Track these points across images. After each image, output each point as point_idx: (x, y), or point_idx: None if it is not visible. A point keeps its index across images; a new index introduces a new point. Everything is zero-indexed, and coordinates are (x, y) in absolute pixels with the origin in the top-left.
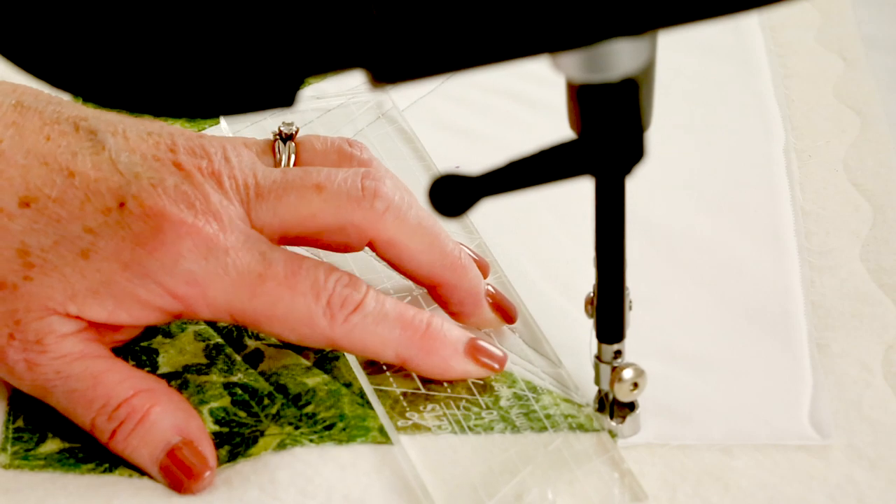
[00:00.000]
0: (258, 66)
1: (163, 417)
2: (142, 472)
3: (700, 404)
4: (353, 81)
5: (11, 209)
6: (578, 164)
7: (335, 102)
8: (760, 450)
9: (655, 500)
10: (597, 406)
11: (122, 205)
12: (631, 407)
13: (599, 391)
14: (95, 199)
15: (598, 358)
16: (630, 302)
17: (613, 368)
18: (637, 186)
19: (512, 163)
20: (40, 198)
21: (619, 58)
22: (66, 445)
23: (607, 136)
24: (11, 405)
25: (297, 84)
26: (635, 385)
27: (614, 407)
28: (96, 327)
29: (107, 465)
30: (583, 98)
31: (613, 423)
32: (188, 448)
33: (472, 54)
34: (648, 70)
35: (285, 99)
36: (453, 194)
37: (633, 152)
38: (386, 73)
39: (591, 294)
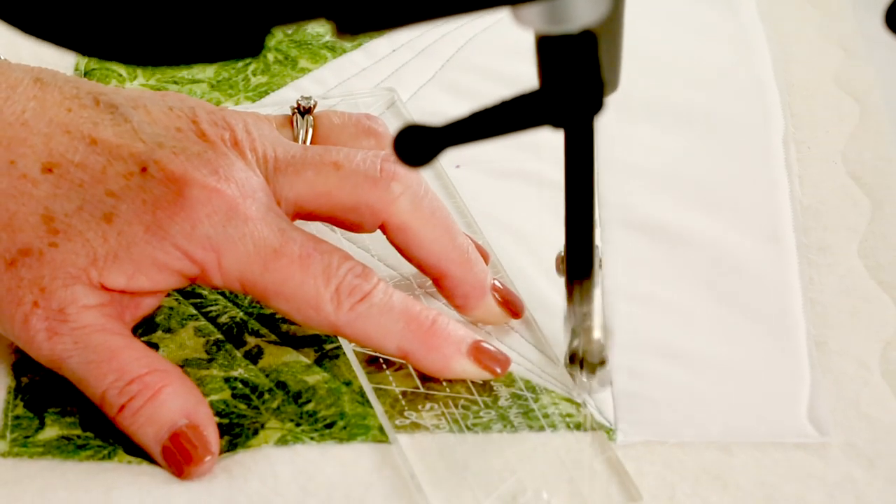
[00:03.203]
0: (225, 13)
1: (173, 398)
2: (141, 459)
3: (698, 402)
4: (360, 81)
5: (35, 175)
6: (538, 114)
7: (338, 97)
8: (759, 448)
9: (654, 498)
10: (567, 361)
11: (144, 169)
12: (602, 363)
13: (570, 347)
14: (117, 163)
15: (571, 314)
16: (600, 260)
17: (583, 327)
18: (636, 181)
19: (475, 113)
20: (63, 163)
21: (577, 10)
22: (65, 432)
23: (566, 86)
24: (11, 393)
25: (264, 33)
26: (603, 344)
27: (584, 363)
28: (118, 303)
29: (105, 452)
30: (543, 49)
31: (584, 378)
32: (192, 432)
33: (434, 4)
34: (610, 24)
35: (252, 48)
36: (418, 144)
37: (591, 104)
38: (349, 24)
39: (562, 252)
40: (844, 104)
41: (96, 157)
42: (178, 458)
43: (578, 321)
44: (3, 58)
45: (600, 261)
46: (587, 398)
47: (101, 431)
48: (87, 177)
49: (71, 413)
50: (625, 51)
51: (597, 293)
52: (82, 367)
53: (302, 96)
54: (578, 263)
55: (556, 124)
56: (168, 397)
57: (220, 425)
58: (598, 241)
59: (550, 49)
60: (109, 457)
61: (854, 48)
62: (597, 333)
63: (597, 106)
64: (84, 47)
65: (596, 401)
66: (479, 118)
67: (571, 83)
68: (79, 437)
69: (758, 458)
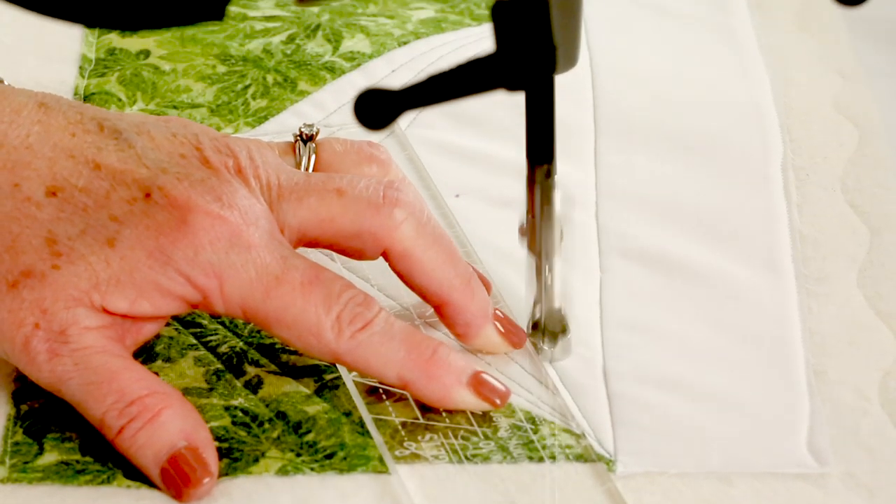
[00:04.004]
0: None
1: (172, 420)
2: (140, 483)
3: (698, 432)
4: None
5: (39, 198)
6: (493, 77)
7: (338, 125)
8: (759, 478)
9: None
10: (529, 329)
11: (147, 195)
12: (563, 331)
13: (532, 317)
14: (121, 188)
15: (534, 284)
16: (561, 232)
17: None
18: (635, 210)
19: (432, 77)
20: (67, 187)
21: None
22: (65, 458)
23: (518, 50)
24: (11, 420)
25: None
26: (564, 313)
27: (546, 331)
28: (119, 326)
29: (104, 477)
30: (497, 14)
31: (545, 346)
32: (191, 454)
33: None
34: None
35: (215, 12)
36: (377, 108)
37: (542, 66)
38: None
39: (524, 223)
40: (843, 129)
41: (100, 182)
42: (177, 480)
43: (541, 292)
44: (6, 83)
45: (561, 233)
46: (587, 429)
47: (100, 456)
48: (90, 201)
49: (70, 438)
50: (623, 78)
51: (558, 264)
52: (82, 389)
53: (304, 124)
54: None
55: (510, 87)
56: (168, 419)
57: (219, 449)
58: (559, 208)
59: (505, 14)
60: (108, 481)
61: (852, 74)
62: (557, 303)
63: (548, 69)
64: (50, 9)
65: (595, 431)
66: (437, 82)
67: (523, 46)
68: (78, 461)
69: (758, 488)
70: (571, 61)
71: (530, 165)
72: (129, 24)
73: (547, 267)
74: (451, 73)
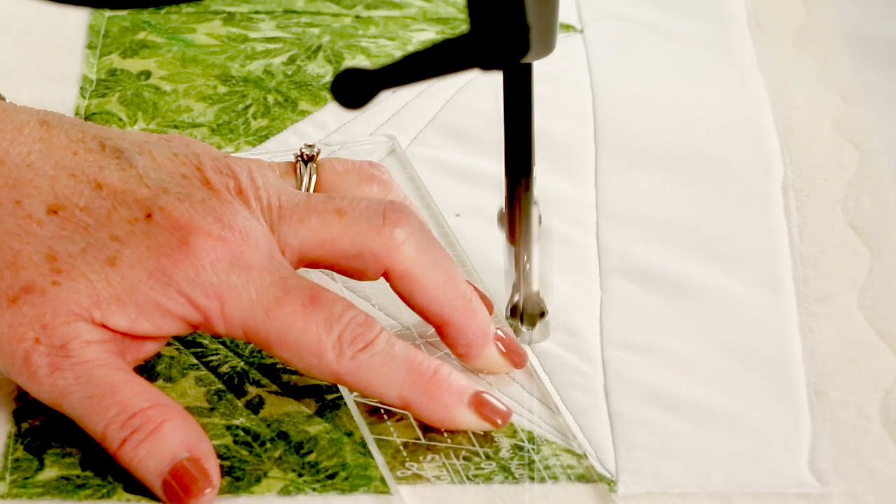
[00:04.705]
0: None
1: (174, 432)
2: (140, 496)
3: (699, 452)
4: (360, 125)
5: (40, 216)
6: (467, 57)
7: (338, 145)
8: (760, 498)
9: None
10: (509, 314)
11: (149, 216)
12: (542, 314)
13: (511, 301)
14: (122, 209)
15: (513, 269)
16: (539, 217)
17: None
18: (636, 229)
19: (408, 56)
20: (68, 206)
21: None
22: (65, 473)
23: (491, 30)
24: (11, 438)
25: None
26: (541, 297)
27: (525, 315)
28: (120, 342)
29: (105, 491)
30: None
31: (524, 329)
32: (193, 465)
33: None
34: None
35: None
36: (355, 87)
37: (515, 47)
38: None
39: (503, 208)
40: (843, 150)
41: (101, 202)
42: (179, 491)
43: (519, 276)
44: (8, 101)
45: (539, 217)
46: (588, 449)
47: (100, 470)
48: (91, 220)
49: (70, 454)
50: (624, 98)
51: (536, 249)
52: (84, 403)
53: (305, 144)
54: (515, 212)
55: (484, 67)
56: (169, 430)
57: (221, 467)
58: (536, 197)
59: None
60: (109, 495)
61: (852, 95)
62: (535, 286)
63: (521, 49)
64: None
65: (597, 451)
66: (413, 61)
67: (496, 27)
68: (78, 476)
69: None
70: (547, 47)
71: (508, 165)
72: (127, 3)
73: (525, 254)
74: (427, 52)
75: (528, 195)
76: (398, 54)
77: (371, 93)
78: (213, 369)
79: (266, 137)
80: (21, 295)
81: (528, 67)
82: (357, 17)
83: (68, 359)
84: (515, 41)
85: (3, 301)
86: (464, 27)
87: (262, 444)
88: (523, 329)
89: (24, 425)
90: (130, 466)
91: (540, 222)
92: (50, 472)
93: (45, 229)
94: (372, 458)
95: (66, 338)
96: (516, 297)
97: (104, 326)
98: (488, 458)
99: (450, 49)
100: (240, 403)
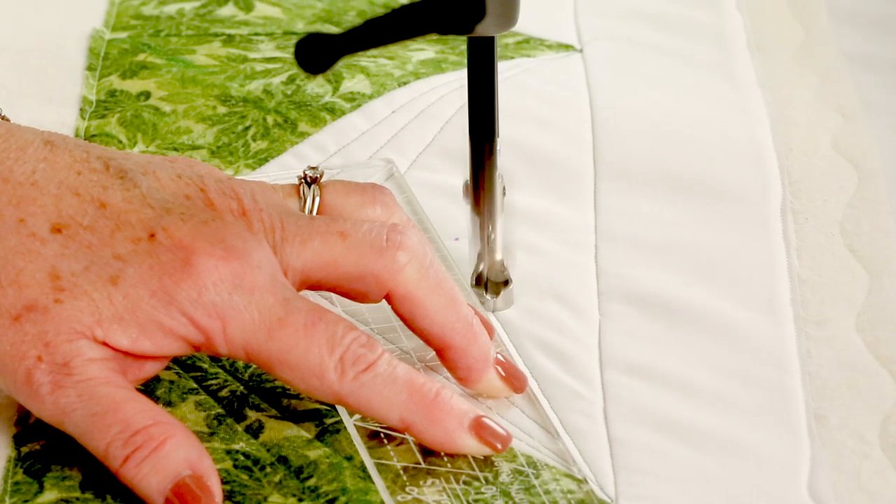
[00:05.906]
0: None
1: (177, 450)
2: None
3: (699, 476)
4: (359, 147)
5: (43, 234)
6: (425, 22)
7: (338, 168)
8: None
9: None
10: (474, 282)
11: (152, 235)
12: (505, 283)
13: (476, 270)
14: (126, 228)
15: (476, 238)
16: (504, 188)
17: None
18: (635, 252)
19: (368, 21)
20: (72, 225)
21: None
22: (64, 495)
23: None
24: (11, 462)
25: None
26: (505, 265)
27: (489, 283)
28: (122, 361)
29: None
30: None
31: (489, 297)
32: (196, 482)
33: None
34: None
35: None
36: (317, 52)
37: (470, 11)
38: None
39: (468, 181)
40: (842, 171)
41: (105, 221)
42: None
43: (483, 245)
44: (11, 122)
45: (503, 189)
46: (588, 474)
47: (100, 491)
48: (95, 239)
49: (70, 476)
50: (623, 119)
51: (500, 218)
52: (86, 420)
53: (309, 166)
54: (480, 179)
55: (441, 31)
56: (172, 448)
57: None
58: (500, 170)
59: None
60: None
61: (852, 113)
62: (499, 255)
63: (477, 14)
64: None
65: (597, 476)
66: (373, 26)
67: None
68: (78, 498)
69: None
70: (508, 20)
71: (472, 130)
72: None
73: (490, 223)
74: (387, 17)
75: (492, 162)
76: (398, 73)
77: (333, 58)
78: (213, 393)
79: (266, 160)
80: (24, 313)
81: (491, 41)
82: None
83: (70, 377)
84: (471, 6)
85: (5, 319)
86: (463, 46)
87: (262, 468)
88: (487, 297)
89: (24, 449)
90: (133, 484)
91: (504, 193)
92: (49, 495)
93: (48, 248)
94: (372, 482)
95: (68, 356)
96: (481, 266)
97: (106, 345)
98: (488, 482)
99: (409, 14)
100: (239, 428)
